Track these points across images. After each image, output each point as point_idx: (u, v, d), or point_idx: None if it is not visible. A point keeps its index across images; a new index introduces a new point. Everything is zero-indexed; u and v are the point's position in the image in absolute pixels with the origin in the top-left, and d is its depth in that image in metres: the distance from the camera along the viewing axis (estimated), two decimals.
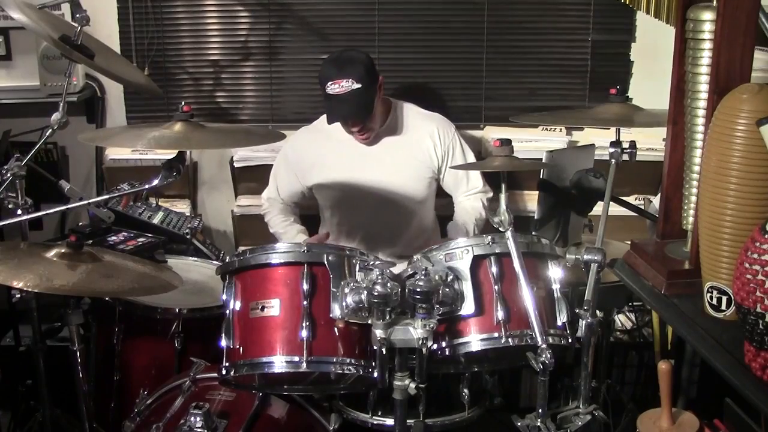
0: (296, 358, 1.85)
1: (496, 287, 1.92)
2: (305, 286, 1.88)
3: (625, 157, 2.11)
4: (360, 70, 2.70)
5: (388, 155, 2.89)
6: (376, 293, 1.79)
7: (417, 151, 2.90)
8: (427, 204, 2.99)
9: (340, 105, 2.71)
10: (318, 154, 2.92)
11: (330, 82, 2.70)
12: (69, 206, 2.21)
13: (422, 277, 1.81)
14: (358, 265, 1.93)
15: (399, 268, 2.06)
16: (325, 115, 2.97)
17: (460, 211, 2.98)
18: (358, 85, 2.68)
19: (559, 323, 1.97)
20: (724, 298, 1.54)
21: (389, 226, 2.93)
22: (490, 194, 2.99)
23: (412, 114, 2.96)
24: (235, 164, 3.31)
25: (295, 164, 2.96)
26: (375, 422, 2.14)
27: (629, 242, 1.93)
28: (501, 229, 1.87)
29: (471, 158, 2.98)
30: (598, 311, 1.93)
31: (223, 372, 1.92)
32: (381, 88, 2.81)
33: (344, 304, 1.85)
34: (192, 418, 1.90)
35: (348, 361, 1.89)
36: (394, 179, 2.89)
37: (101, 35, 2.80)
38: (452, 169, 2.93)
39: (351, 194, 2.90)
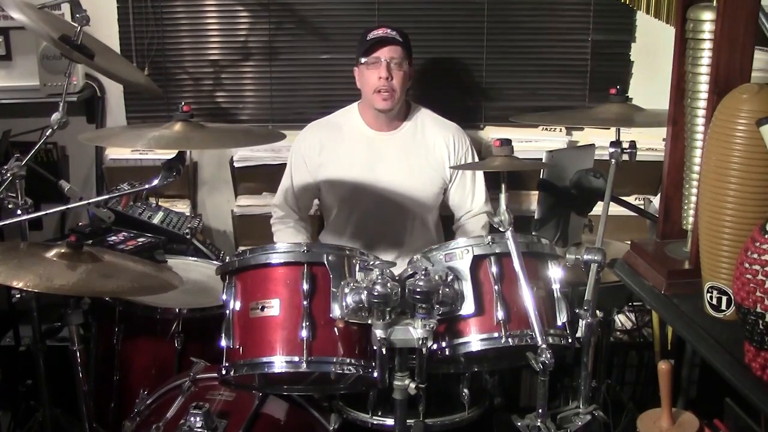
0: (296, 358, 1.85)
1: (496, 287, 1.92)
2: (305, 286, 1.88)
3: (625, 157, 2.11)
4: (403, 33, 2.80)
5: (402, 156, 2.87)
6: (376, 293, 1.79)
7: (431, 158, 2.89)
8: (433, 213, 2.97)
9: (381, 40, 2.76)
10: (330, 148, 2.89)
11: (373, 30, 2.79)
12: (69, 206, 2.21)
13: (422, 277, 1.81)
14: (358, 265, 1.93)
15: (399, 268, 2.06)
16: (336, 112, 2.96)
17: (463, 234, 2.95)
18: (400, 39, 2.76)
19: (559, 323, 1.97)
20: (724, 298, 1.54)
21: (395, 229, 2.90)
22: (490, 209, 2.97)
23: (429, 120, 2.94)
24: (235, 164, 3.30)
25: (308, 158, 2.90)
26: (375, 422, 2.13)
27: (629, 242, 1.93)
28: (501, 229, 1.87)
29: (480, 173, 2.95)
30: (598, 311, 1.93)
31: (223, 372, 1.92)
32: (411, 77, 2.85)
33: (344, 304, 1.84)
34: (192, 418, 1.90)
35: (348, 361, 1.89)
36: (406, 181, 2.86)
37: (101, 35, 2.80)
38: (459, 183, 2.92)
39: (360, 192, 2.87)
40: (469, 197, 2.95)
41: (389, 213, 2.89)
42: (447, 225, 3.06)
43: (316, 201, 3.06)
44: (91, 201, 2.41)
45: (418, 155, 2.88)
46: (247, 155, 3.28)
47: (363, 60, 2.79)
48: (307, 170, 2.92)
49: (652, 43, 3.38)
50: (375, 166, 2.86)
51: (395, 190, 2.86)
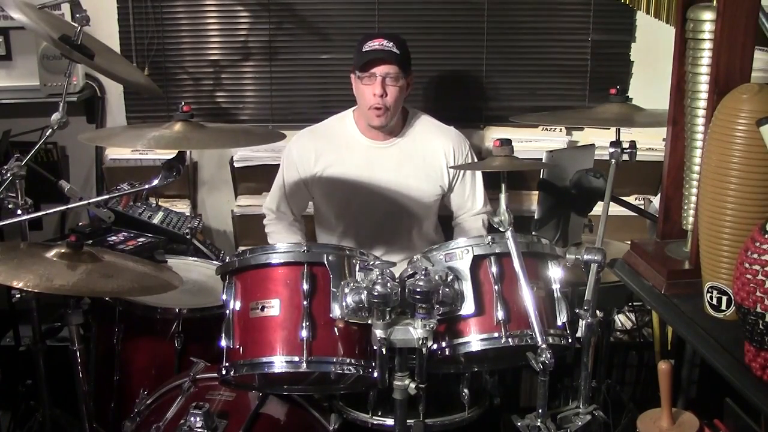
0: (296, 358, 1.86)
1: (496, 287, 1.92)
2: (305, 286, 1.88)
3: (625, 157, 2.11)
4: (401, 43, 2.72)
5: (398, 166, 2.83)
6: (376, 293, 1.79)
7: (428, 167, 2.85)
8: (430, 220, 2.94)
9: (377, 55, 2.67)
10: (326, 157, 2.84)
11: (369, 41, 2.70)
12: (69, 206, 2.21)
13: (422, 277, 1.81)
14: (358, 265, 1.93)
15: (399, 268, 2.06)
16: (330, 119, 2.93)
17: (461, 233, 2.95)
18: (397, 52, 2.68)
19: (559, 323, 1.97)
20: (724, 298, 1.54)
21: (391, 237, 2.88)
22: (490, 209, 2.96)
23: (428, 127, 2.89)
24: (235, 164, 3.31)
25: (301, 167, 2.86)
26: (375, 422, 2.13)
27: (629, 242, 1.93)
28: (501, 229, 1.87)
29: (479, 177, 2.93)
30: (598, 311, 1.93)
31: (223, 372, 1.92)
32: (409, 86, 2.79)
33: (344, 304, 1.84)
34: (192, 418, 1.90)
35: (348, 361, 1.89)
36: (402, 190, 2.83)
37: (101, 35, 2.80)
38: (459, 189, 2.90)
39: (356, 202, 2.84)
40: (470, 200, 2.93)
41: (386, 222, 2.86)
42: (446, 227, 3.05)
43: (310, 203, 3.02)
44: (91, 201, 2.40)
45: (415, 164, 2.84)
46: (247, 155, 3.28)
47: (358, 73, 2.72)
48: (300, 179, 2.88)
49: (652, 43, 3.38)
50: (371, 175, 2.82)
51: (391, 199, 2.83)
